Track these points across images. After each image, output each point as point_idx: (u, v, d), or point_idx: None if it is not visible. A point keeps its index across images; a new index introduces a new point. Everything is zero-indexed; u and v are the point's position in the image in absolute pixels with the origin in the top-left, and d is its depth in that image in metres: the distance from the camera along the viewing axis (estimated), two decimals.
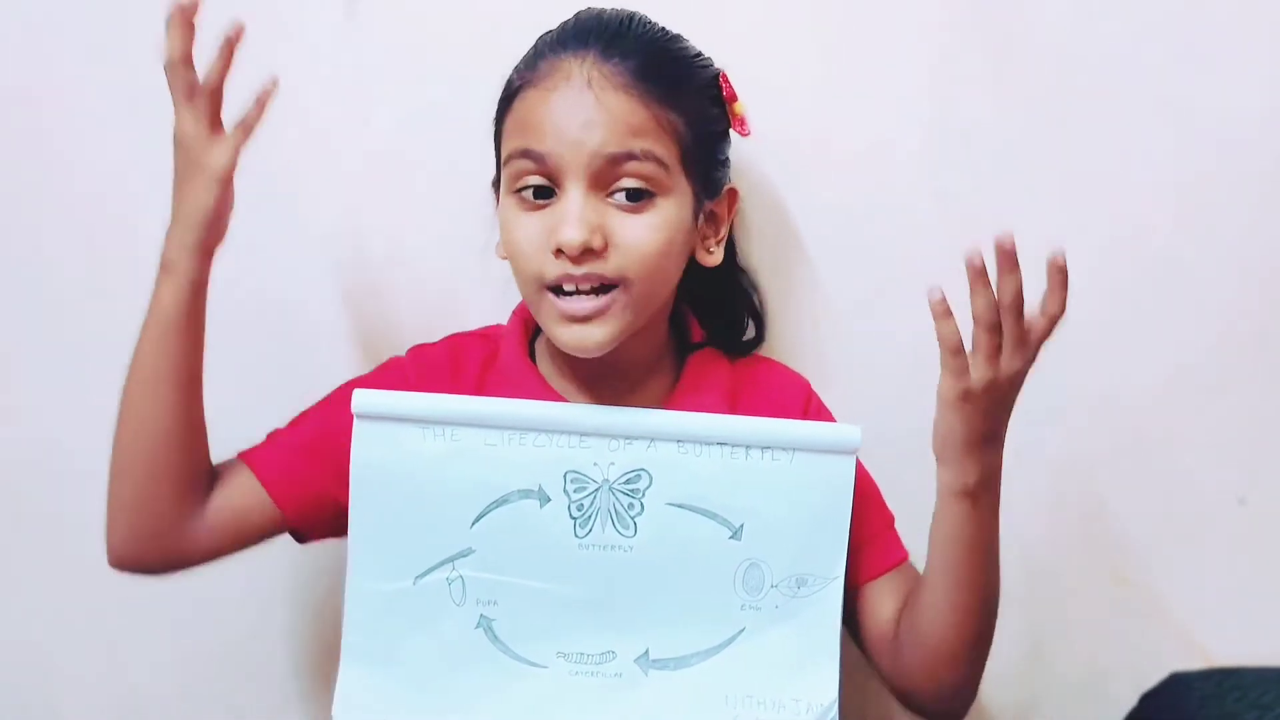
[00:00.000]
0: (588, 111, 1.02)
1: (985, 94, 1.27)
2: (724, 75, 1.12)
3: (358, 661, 1.05)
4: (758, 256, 1.26)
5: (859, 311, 1.29)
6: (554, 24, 1.11)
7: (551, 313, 1.04)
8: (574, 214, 1.01)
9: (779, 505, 1.04)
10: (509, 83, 1.08)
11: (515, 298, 1.17)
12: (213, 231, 1.04)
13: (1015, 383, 1.00)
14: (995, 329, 0.97)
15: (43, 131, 1.28)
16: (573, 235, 1.01)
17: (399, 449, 1.04)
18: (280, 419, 1.18)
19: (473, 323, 1.20)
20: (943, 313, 0.98)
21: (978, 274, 0.96)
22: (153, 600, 1.31)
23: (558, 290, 1.03)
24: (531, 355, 1.15)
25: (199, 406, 1.08)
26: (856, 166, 1.27)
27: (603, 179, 1.03)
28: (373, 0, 1.25)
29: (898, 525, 1.30)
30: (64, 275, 1.29)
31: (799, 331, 1.28)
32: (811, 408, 1.16)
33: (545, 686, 1.05)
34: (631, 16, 1.09)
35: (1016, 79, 1.26)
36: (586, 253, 1.01)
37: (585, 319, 1.03)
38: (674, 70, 1.08)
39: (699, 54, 1.12)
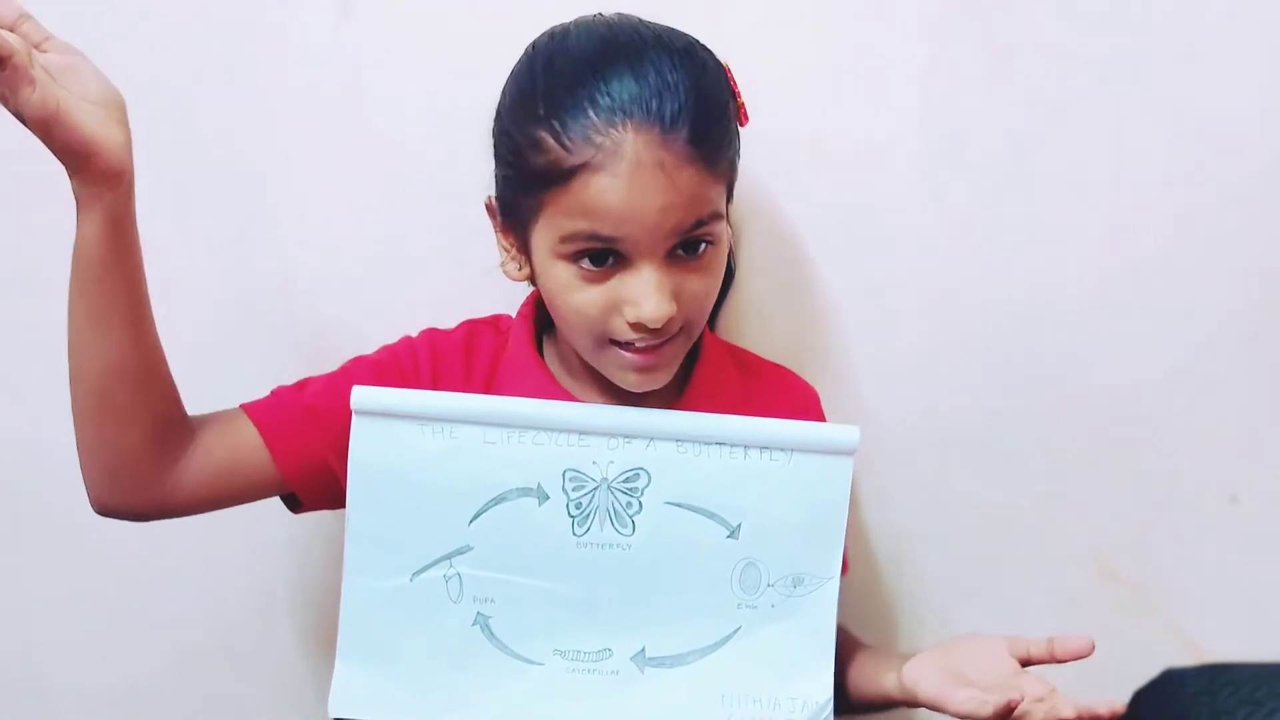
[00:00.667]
0: (664, 196, 0.98)
1: (981, 94, 1.26)
2: (729, 70, 1.08)
3: (354, 658, 1.05)
4: (755, 256, 1.26)
5: (855, 311, 1.29)
6: (550, 20, 1.08)
7: (618, 361, 1.04)
8: (654, 291, 0.99)
9: (777, 505, 1.04)
10: (544, 149, 0.99)
11: (515, 295, 1.17)
12: (92, 161, 0.94)
13: None
14: None
15: None
16: (659, 311, 0.99)
17: (397, 446, 1.03)
18: None
19: (474, 318, 1.20)
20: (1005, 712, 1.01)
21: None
22: (150, 594, 1.31)
23: (621, 344, 1.03)
24: (539, 353, 1.14)
25: (150, 343, 1.02)
26: (852, 166, 1.27)
27: (671, 247, 1.00)
28: None
29: (891, 522, 1.32)
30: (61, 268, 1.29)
31: (795, 330, 1.29)
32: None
33: (542, 684, 1.05)
34: (669, 50, 1.02)
35: (1012, 79, 1.26)
36: (667, 321, 1.01)
37: (654, 368, 1.04)
38: (719, 114, 1.03)
39: (715, 63, 1.06)
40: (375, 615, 1.05)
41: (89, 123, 0.93)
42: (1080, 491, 1.32)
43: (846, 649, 1.15)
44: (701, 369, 1.13)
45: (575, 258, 1.01)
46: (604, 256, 1.00)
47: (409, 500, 1.04)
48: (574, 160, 0.98)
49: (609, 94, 0.98)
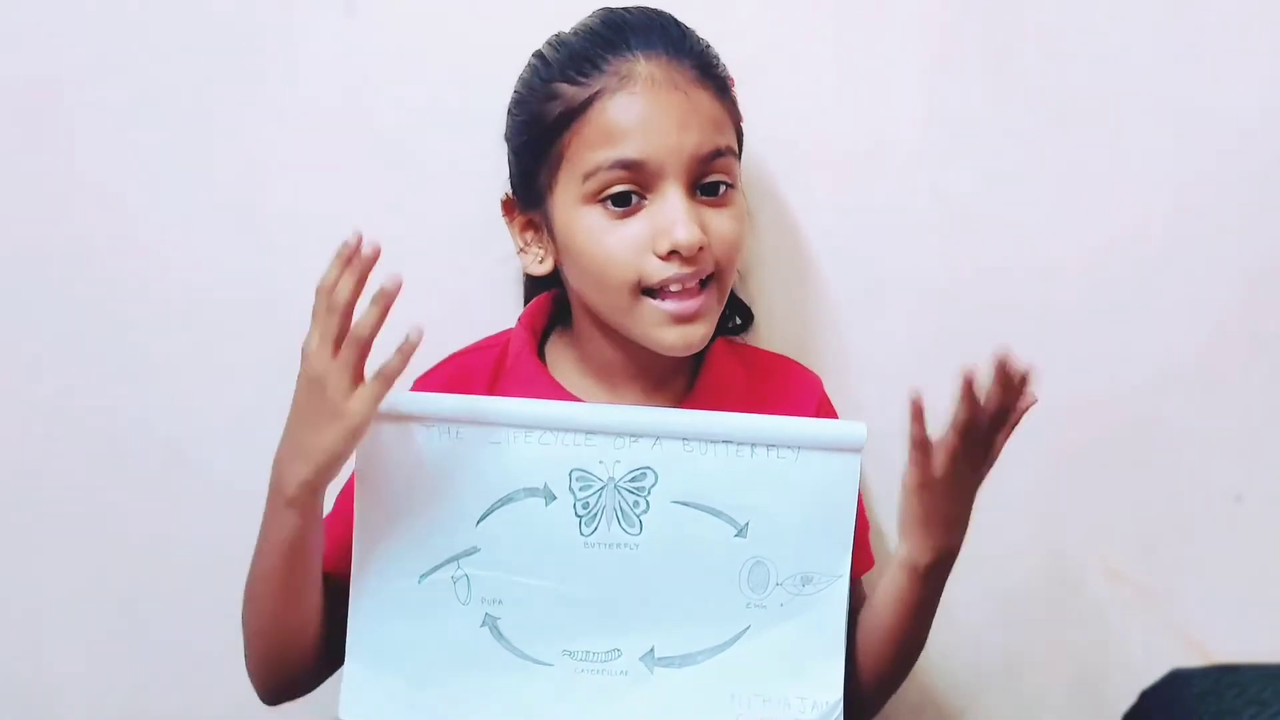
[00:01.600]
0: (680, 111, 1.02)
1: (983, 92, 1.27)
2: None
3: (363, 659, 1.05)
4: (757, 253, 1.27)
5: (857, 308, 1.29)
6: (555, 21, 1.10)
7: (654, 316, 1.05)
8: (684, 215, 1.01)
9: (784, 503, 1.04)
10: (556, 94, 1.04)
11: (519, 291, 1.17)
12: (337, 471, 1.00)
13: (976, 478, 1.03)
14: (966, 435, 0.99)
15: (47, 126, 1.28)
16: (691, 236, 1.01)
17: (404, 447, 1.03)
18: (280, 417, 1.18)
19: (476, 319, 1.20)
20: (916, 415, 0.99)
21: (967, 388, 0.98)
22: (154, 595, 1.31)
23: (653, 292, 1.04)
24: (540, 359, 1.15)
25: (325, 594, 1.06)
26: (855, 164, 1.27)
27: (693, 176, 1.03)
28: None
29: (893, 521, 1.31)
30: (64, 269, 1.29)
31: (797, 328, 1.29)
32: (823, 410, 1.17)
33: (550, 685, 1.05)
34: (662, 14, 1.09)
35: (1014, 78, 1.27)
36: (699, 251, 1.02)
37: (690, 318, 1.04)
38: (719, 67, 1.08)
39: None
40: (384, 617, 1.05)
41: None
42: (1085, 491, 1.32)
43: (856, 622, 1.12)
44: (708, 368, 1.13)
45: (600, 198, 1.03)
46: (627, 197, 1.02)
47: (416, 502, 1.04)
48: (590, 90, 1.03)
49: (616, 34, 1.04)
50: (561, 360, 1.14)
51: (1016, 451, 1.31)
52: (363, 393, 0.97)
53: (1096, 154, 1.28)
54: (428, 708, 1.05)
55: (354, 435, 0.98)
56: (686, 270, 1.02)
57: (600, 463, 1.04)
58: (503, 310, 1.22)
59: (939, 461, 1.00)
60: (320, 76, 1.25)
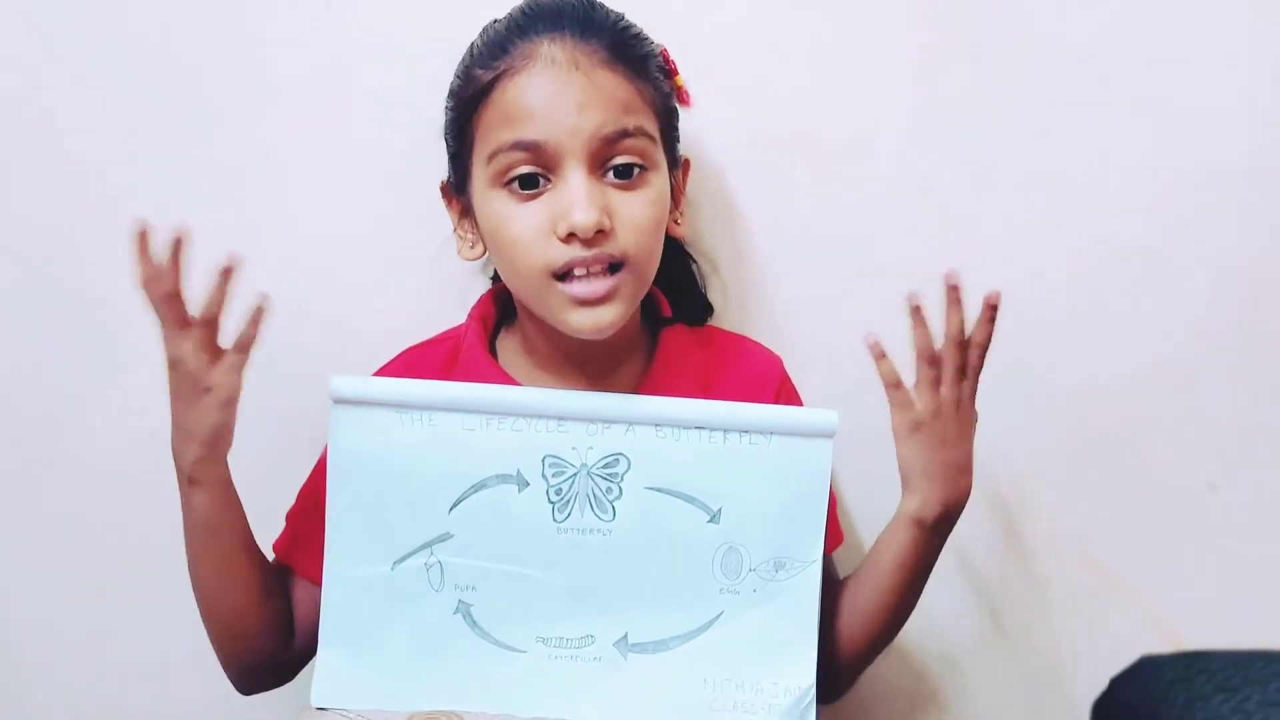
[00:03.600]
0: (580, 92, 1.01)
1: (965, 89, 1.27)
2: (665, 52, 1.12)
3: (336, 646, 1.05)
4: (739, 248, 1.27)
5: (838, 302, 1.29)
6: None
7: (561, 300, 1.04)
8: (583, 197, 1.01)
9: (757, 489, 1.05)
10: (469, 79, 1.06)
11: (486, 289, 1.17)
12: (227, 438, 1.03)
13: (963, 409, 1.06)
14: (934, 360, 1.04)
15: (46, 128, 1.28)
16: (587, 217, 1.00)
17: (377, 434, 1.03)
18: (266, 416, 1.18)
19: (450, 313, 1.20)
20: (879, 355, 1.04)
21: (916, 312, 1.03)
22: (132, 585, 1.31)
23: (563, 277, 1.03)
24: (492, 352, 1.15)
25: (263, 569, 1.09)
26: (837, 159, 1.28)
27: (598, 159, 1.02)
28: None
29: (873, 511, 1.31)
30: (41, 258, 1.29)
31: (779, 321, 1.29)
32: (784, 390, 1.17)
33: (524, 671, 1.05)
34: (593, 5, 1.08)
35: (998, 74, 1.27)
36: (598, 234, 1.01)
37: (598, 301, 1.03)
38: (639, 47, 1.07)
39: (646, 35, 1.11)
40: (357, 604, 1.05)
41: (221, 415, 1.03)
42: (1060, 480, 1.33)
43: (840, 587, 1.13)
44: (663, 352, 1.14)
45: (506, 180, 1.03)
46: (534, 179, 1.02)
47: (389, 489, 1.04)
48: (494, 73, 1.03)
49: (528, 19, 1.05)
50: (511, 352, 1.15)
51: (995, 440, 1.32)
52: (224, 364, 1.01)
53: (1078, 151, 1.28)
54: (401, 694, 1.05)
55: (226, 405, 1.01)
56: (587, 253, 1.02)
57: (573, 449, 1.04)
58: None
59: (922, 396, 1.04)
60: (299, 67, 1.25)
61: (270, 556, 1.12)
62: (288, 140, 1.26)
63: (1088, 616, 1.34)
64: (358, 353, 1.18)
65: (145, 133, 1.25)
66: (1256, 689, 1.23)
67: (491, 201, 1.05)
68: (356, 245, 1.27)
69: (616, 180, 1.03)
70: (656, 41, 1.11)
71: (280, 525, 1.14)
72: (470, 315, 1.16)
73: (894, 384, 1.04)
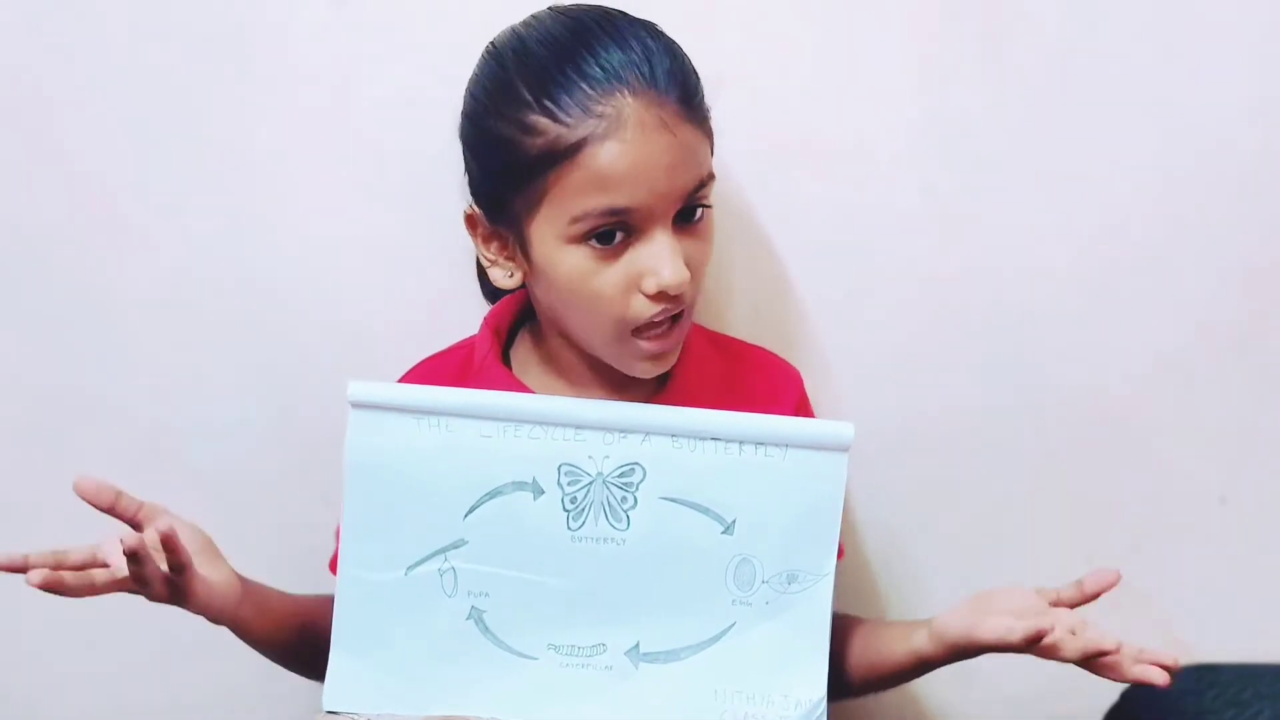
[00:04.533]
0: (670, 155, 0.99)
1: (972, 91, 1.27)
2: None
3: (348, 651, 1.06)
4: (745, 252, 1.27)
5: (846, 307, 1.30)
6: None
7: (634, 352, 1.05)
8: (671, 255, 1.00)
9: (772, 501, 1.04)
10: (537, 130, 0.99)
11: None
12: (234, 589, 1.05)
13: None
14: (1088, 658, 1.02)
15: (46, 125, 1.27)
16: (679, 276, 1.00)
17: (394, 439, 1.03)
18: (260, 407, 1.18)
19: (459, 317, 1.20)
20: (1035, 639, 1.01)
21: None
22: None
23: (637, 330, 1.03)
24: (506, 362, 1.15)
25: (300, 615, 1.12)
26: (843, 162, 1.27)
27: (678, 212, 1.02)
28: None
29: (880, 519, 1.32)
30: (46, 257, 1.29)
31: (786, 327, 1.29)
32: (803, 406, 1.17)
33: (535, 678, 1.05)
34: (632, 23, 1.04)
35: (1002, 77, 1.27)
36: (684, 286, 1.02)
37: (669, 354, 1.06)
38: (699, 86, 1.05)
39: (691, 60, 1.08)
40: (370, 608, 1.05)
41: (203, 574, 1.01)
42: (1070, 490, 1.33)
43: (850, 628, 1.15)
44: (684, 362, 1.13)
45: (585, 238, 1.01)
46: (611, 234, 1.01)
47: (404, 494, 1.04)
48: (577, 134, 0.98)
49: (599, 64, 1.00)
50: (527, 361, 1.14)
51: (1003, 450, 1.32)
52: (171, 586, 0.99)
53: (1084, 154, 1.28)
54: (412, 699, 1.05)
55: (226, 592, 1.03)
56: (672, 308, 1.03)
57: (589, 458, 1.04)
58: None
59: (1063, 656, 1.02)
60: (307, 68, 1.25)
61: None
62: (301, 145, 1.26)
63: (1098, 628, 1.34)
64: (373, 355, 1.19)
65: (153, 136, 1.25)
66: (1267, 704, 1.24)
67: (566, 255, 1.02)
68: (370, 250, 1.27)
69: (683, 224, 1.03)
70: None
71: (297, 525, 1.14)
72: (484, 324, 1.16)
73: (1033, 641, 1.01)
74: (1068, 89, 1.27)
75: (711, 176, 1.04)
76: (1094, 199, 1.29)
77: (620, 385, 1.11)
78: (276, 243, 1.27)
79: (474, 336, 1.16)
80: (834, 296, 1.30)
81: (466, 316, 1.20)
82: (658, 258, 1.00)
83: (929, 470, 1.33)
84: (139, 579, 0.96)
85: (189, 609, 1.02)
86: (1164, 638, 1.34)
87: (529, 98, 1.00)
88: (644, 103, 0.99)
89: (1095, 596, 1.05)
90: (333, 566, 1.13)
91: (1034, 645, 1.00)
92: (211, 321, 1.27)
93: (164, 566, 0.97)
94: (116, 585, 0.97)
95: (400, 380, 1.15)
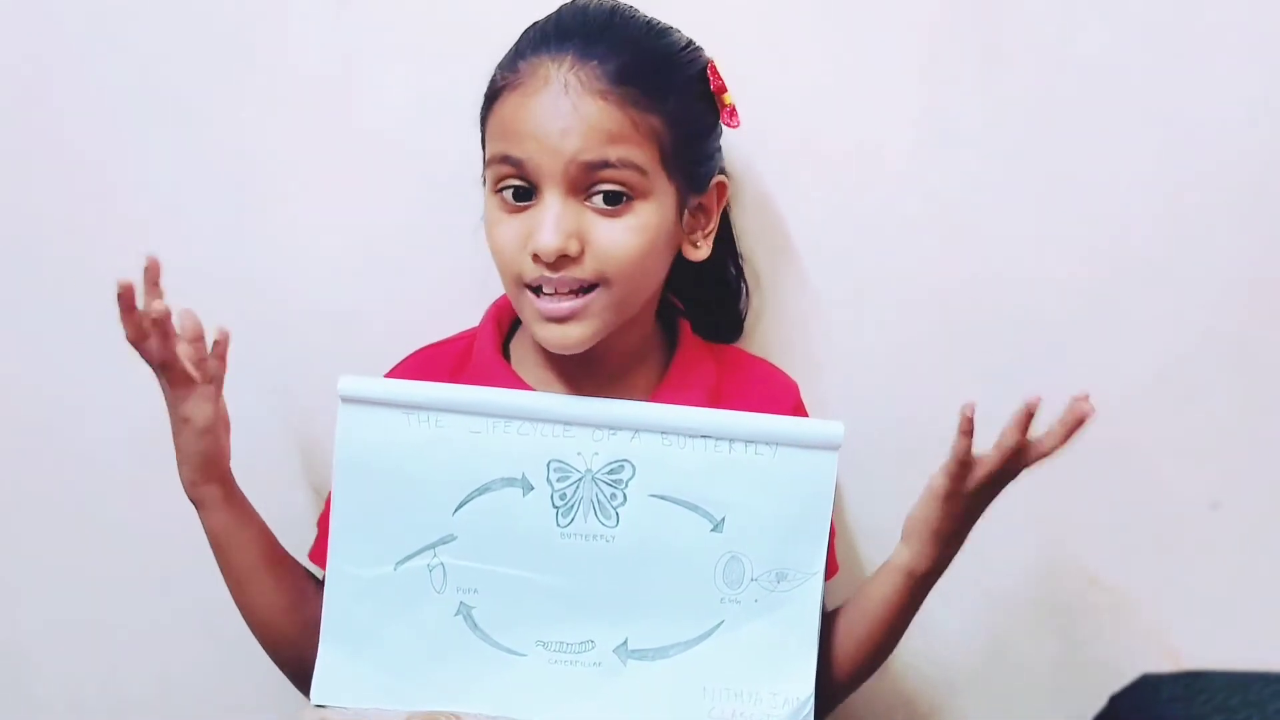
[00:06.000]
0: (564, 119, 1.02)
1: (974, 95, 1.27)
2: (713, 66, 1.11)
3: (337, 645, 1.06)
4: (747, 255, 1.27)
5: (847, 310, 1.29)
6: (544, 14, 1.11)
7: (531, 310, 1.06)
8: (549, 221, 1.02)
9: (761, 499, 1.05)
10: (492, 81, 1.08)
11: (499, 290, 1.17)
12: (218, 462, 1.07)
13: (991, 497, 1.07)
14: (1009, 460, 1.04)
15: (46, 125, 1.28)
16: (548, 242, 1.02)
17: (383, 434, 1.04)
18: (271, 409, 1.18)
19: (462, 314, 1.20)
20: (966, 431, 1.03)
21: (1026, 417, 1.05)
22: (134, 584, 1.31)
23: (536, 290, 1.05)
24: (505, 354, 1.15)
25: (290, 576, 1.12)
26: (846, 165, 1.27)
27: (580, 184, 1.03)
28: None
29: (876, 523, 1.31)
30: (49, 257, 1.29)
31: (787, 329, 1.29)
32: (797, 415, 1.17)
33: (524, 674, 1.05)
34: (614, 11, 1.08)
35: (1005, 82, 1.27)
36: (562, 258, 1.03)
37: (563, 319, 1.05)
38: (655, 70, 1.06)
39: (688, 45, 1.10)
40: (359, 603, 1.05)
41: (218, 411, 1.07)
42: (1063, 496, 1.33)
43: (835, 613, 1.14)
44: (678, 364, 1.14)
45: (500, 189, 1.05)
46: (525, 194, 1.04)
47: (394, 489, 1.05)
48: (501, 83, 1.06)
49: (551, 29, 1.06)
50: (525, 354, 1.15)
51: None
52: (197, 395, 1.05)
53: (1085, 161, 1.28)
54: (401, 694, 1.05)
55: (205, 433, 1.05)
56: (553, 275, 1.03)
57: (579, 454, 1.04)
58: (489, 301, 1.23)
59: (975, 477, 1.04)
60: (309, 67, 1.25)
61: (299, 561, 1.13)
62: (300, 140, 1.26)
63: (1089, 633, 1.34)
64: (371, 352, 1.18)
65: (155, 134, 1.26)
66: (1255, 711, 1.23)
67: (488, 204, 1.07)
68: (369, 245, 1.27)
69: (603, 205, 1.04)
70: (704, 56, 1.12)
71: (291, 521, 1.14)
72: (485, 316, 1.16)
73: (962, 461, 1.04)
74: (1070, 96, 1.27)
75: (628, 164, 1.03)
76: (1095, 207, 1.29)
77: (611, 382, 1.11)
78: (277, 240, 1.27)
79: (474, 329, 1.17)
80: (835, 301, 1.29)
81: (465, 313, 1.20)
82: (540, 221, 1.03)
83: (926, 475, 1.32)
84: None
85: (193, 413, 1.04)
86: (1155, 644, 1.34)
87: (505, 57, 1.08)
88: (559, 63, 1.03)
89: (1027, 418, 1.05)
90: (313, 557, 1.14)
91: (970, 436, 1.03)
92: (211, 317, 1.26)
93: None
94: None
95: (395, 369, 1.15)
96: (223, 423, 1.07)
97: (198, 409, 1.04)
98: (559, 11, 1.09)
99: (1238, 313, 1.31)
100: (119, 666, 1.35)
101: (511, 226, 1.05)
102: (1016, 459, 1.04)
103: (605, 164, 1.03)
